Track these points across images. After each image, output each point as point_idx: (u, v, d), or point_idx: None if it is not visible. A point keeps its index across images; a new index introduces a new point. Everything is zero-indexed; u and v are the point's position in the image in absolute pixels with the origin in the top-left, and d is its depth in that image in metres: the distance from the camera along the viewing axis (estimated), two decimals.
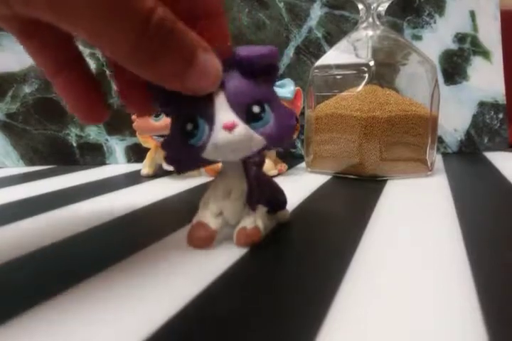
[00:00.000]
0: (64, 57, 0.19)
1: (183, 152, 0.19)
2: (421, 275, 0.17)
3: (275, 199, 0.23)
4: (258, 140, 0.18)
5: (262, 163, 0.22)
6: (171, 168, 0.38)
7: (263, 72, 0.19)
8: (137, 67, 0.16)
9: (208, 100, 0.18)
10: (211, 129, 0.18)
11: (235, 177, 0.20)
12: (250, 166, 0.21)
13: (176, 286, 0.16)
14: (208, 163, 0.19)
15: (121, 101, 0.21)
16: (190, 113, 0.18)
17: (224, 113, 0.18)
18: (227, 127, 0.18)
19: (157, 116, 0.37)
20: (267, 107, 0.19)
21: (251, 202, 0.20)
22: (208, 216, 0.20)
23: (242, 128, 0.18)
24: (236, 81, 0.18)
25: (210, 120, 0.18)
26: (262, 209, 0.21)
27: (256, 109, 0.18)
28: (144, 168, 0.41)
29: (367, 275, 0.17)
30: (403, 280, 0.16)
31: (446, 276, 0.17)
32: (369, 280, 0.16)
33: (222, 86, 0.18)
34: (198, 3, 0.19)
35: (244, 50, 0.19)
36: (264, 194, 0.21)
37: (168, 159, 0.20)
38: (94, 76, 0.20)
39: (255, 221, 0.21)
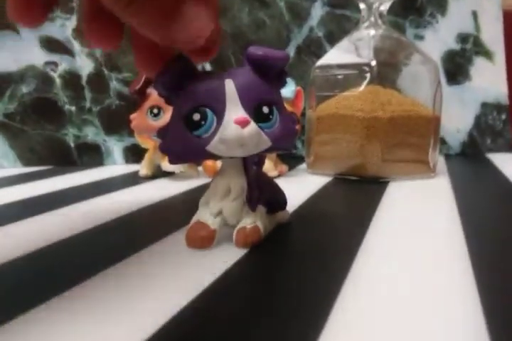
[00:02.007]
0: None
1: (185, 142, 0.18)
2: (423, 278, 0.16)
3: (275, 199, 0.23)
4: (265, 140, 0.18)
5: (262, 162, 0.22)
6: (169, 169, 0.38)
7: (275, 75, 0.19)
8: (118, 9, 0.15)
9: (219, 92, 0.18)
10: (219, 122, 0.18)
11: (235, 177, 0.20)
12: (250, 165, 0.20)
13: (175, 287, 0.16)
14: (209, 157, 0.19)
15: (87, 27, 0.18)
16: (198, 102, 0.18)
17: (235, 108, 0.18)
18: (240, 122, 0.17)
19: (156, 115, 0.36)
20: (275, 110, 0.19)
21: (251, 201, 0.20)
22: (208, 215, 0.20)
23: (253, 125, 0.18)
24: (248, 77, 0.18)
25: (220, 113, 0.18)
26: (261, 210, 0.21)
27: (266, 109, 0.18)
28: (142, 168, 0.40)
29: (368, 277, 0.16)
30: (405, 283, 0.16)
31: (448, 279, 0.16)
32: (371, 282, 0.16)
33: (234, 79, 0.18)
34: None
35: (259, 50, 0.18)
36: (264, 194, 0.21)
37: (165, 147, 0.19)
38: None
39: (255, 221, 0.20)
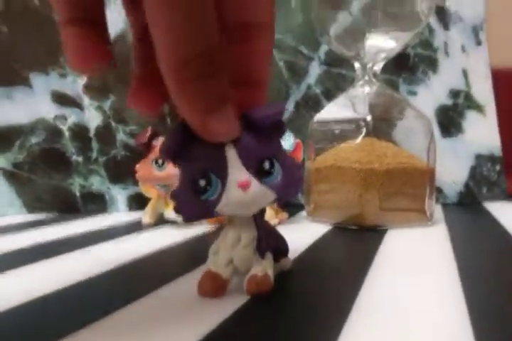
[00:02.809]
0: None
1: (195, 205, 0.19)
2: (420, 329, 0.16)
3: (278, 246, 0.23)
4: (269, 194, 0.19)
5: (263, 210, 0.22)
6: (172, 218, 0.38)
7: (272, 129, 0.20)
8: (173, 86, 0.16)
9: (221, 155, 0.18)
10: (223, 185, 0.18)
11: (244, 225, 0.21)
12: (258, 213, 0.21)
13: (176, 334, 0.16)
14: (218, 214, 0.19)
15: (131, 96, 0.20)
16: (202, 167, 0.19)
17: (237, 170, 0.18)
18: (242, 186, 0.18)
19: (160, 166, 0.37)
20: (275, 162, 0.19)
21: (261, 248, 0.21)
22: (219, 265, 0.20)
23: (255, 186, 0.18)
24: (246, 138, 0.19)
25: (223, 176, 0.18)
26: (270, 257, 0.21)
27: (267, 165, 0.19)
28: (145, 217, 0.41)
29: (366, 328, 0.17)
30: (402, 333, 0.16)
31: (446, 331, 0.16)
32: (368, 333, 0.16)
33: (234, 143, 0.18)
34: (248, 71, 0.20)
35: (256, 113, 0.19)
36: (270, 241, 0.22)
37: (178, 210, 0.20)
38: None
39: (265, 268, 0.21)
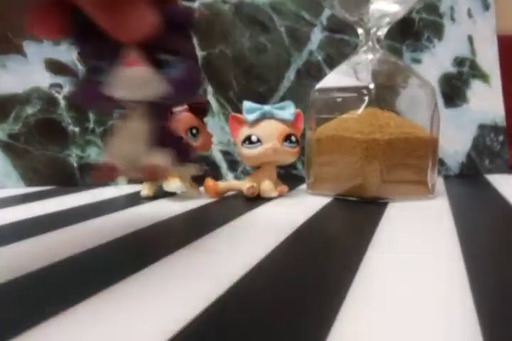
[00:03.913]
0: None
1: (91, 88, 0.20)
2: (422, 300, 0.16)
3: (179, 148, 0.24)
4: (160, 82, 0.20)
5: (161, 107, 0.22)
6: (171, 190, 0.38)
7: (182, 26, 0.20)
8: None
9: (120, 47, 0.19)
10: (118, 66, 0.19)
11: (138, 117, 0.21)
12: (154, 107, 0.21)
13: (167, 312, 0.16)
14: (113, 101, 0.20)
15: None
16: (98, 49, 0.20)
17: (129, 52, 0.19)
18: (127, 63, 0.19)
19: None
20: (176, 58, 0.20)
21: (155, 142, 0.22)
22: (114, 155, 0.22)
23: (145, 68, 0.19)
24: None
25: (117, 61, 0.19)
26: (167, 152, 0.22)
27: (166, 56, 0.20)
28: (144, 189, 0.41)
29: (367, 299, 0.17)
30: (403, 304, 0.16)
31: (447, 301, 0.16)
32: (369, 304, 0.16)
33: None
34: None
35: (169, 9, 0.20)
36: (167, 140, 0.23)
37: (76, 95, 0.21)
38: None
39: (158, 159, 0.22)
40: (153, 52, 0.20)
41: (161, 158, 0.22)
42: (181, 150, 0.24)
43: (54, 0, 0.20)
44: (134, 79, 0.19)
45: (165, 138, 0.22)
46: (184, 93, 0.21)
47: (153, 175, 0.22)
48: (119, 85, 0.19)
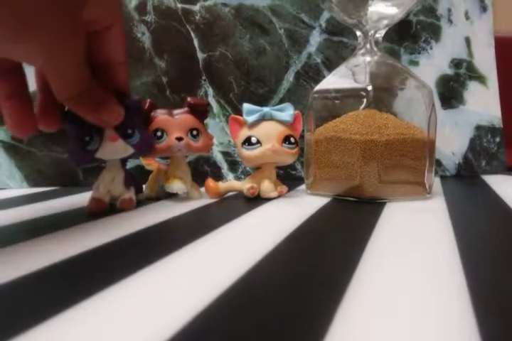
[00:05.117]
0: (15, 88, 0.28)
1: (82, 154, 0.33)
2: (419, 299, 0.17)
3: (136, 184, 0.38)
4: (129, 149, 0.34)
5: (125, 160, 0.38)
6: (173, 191, 0.39)
7: (136, 109, 0.35)
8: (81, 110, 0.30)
9: (101, 127, 0.32)
10: (101, 140, 0.33)
11: (116, 170, 0.36)
12: (124, 163, 0.37)
13: (167, 312, 0.16)
14: (99, 161, 0.34)
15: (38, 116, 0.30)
16: (88, 130, 0.32)
17: (109, 132, 0.33)
18: (111, 139, 0.33)
19: (159, 138, 0.37)
20: (136, 131, 0.34)
21: (126, 183, 0.36)
22: (100, 193, 0.35)
23: (121, 141, 0.33)
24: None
25: (101, 135, 0.33)
26: (132, 188, 0.37)
27: (129, 131, 0.34)
28: (146, 189, 0.41)
29: (365, 298, 0.17)
30: (401, 303, 0.16)
31: (444, 302, 0.17)
32: (367, 304, 0.16)
33: None
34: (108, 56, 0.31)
35: (130, 100, 0.34)
36: (132, 180, 0.37)
37: (71, 158, 0.33)
38: (31, 101, 0.29)
39: (130, 194, 0.36)
40: (122, 128, 0.33)
41: (129, 193, 0.36)
42: (140, 187, 0.40)
43: (49, 101, 0.30)
44: (116, 149, 0.33)
45: (129, 180, 0.36)
46: (142, 152, 0.36)
47: (127, 205, 0.36)
48: (106, 153, 0.33)
